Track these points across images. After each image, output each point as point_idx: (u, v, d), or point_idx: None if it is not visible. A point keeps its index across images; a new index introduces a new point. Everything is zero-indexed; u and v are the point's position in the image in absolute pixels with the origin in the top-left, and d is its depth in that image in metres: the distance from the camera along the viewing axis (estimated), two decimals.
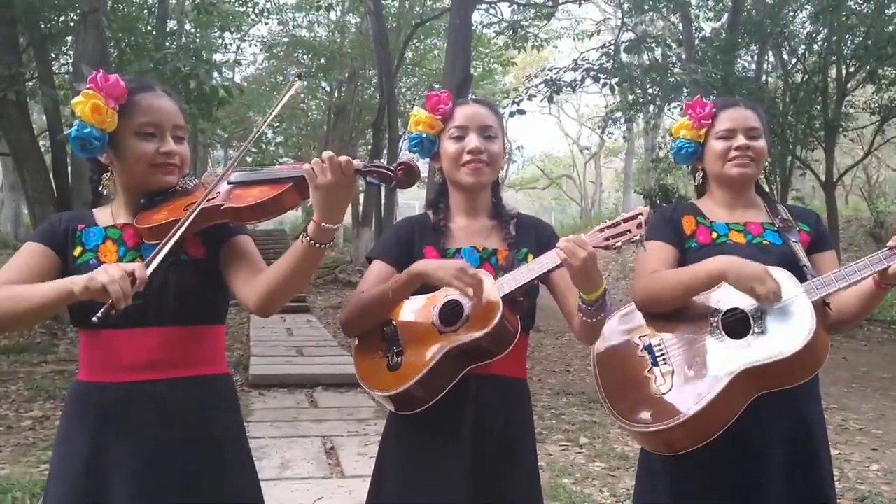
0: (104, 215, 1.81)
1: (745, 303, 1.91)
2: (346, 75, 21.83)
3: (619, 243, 1.69)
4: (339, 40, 21.71)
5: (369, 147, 21.49)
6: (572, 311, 1.87)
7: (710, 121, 2.13)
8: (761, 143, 2.09)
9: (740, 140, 2.07)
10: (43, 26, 9.36)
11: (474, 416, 1.86)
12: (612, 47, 12.90)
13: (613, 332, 2.09)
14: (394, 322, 1.90)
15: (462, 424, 1.85)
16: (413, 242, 2.00)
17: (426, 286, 1.85)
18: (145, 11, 12.61)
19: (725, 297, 1.94)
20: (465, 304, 1.83)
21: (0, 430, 5.54)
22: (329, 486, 4.27)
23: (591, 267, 1.70)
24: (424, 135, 2.03)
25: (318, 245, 1.61)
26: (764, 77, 13.70)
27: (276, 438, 5.22)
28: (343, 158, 1.54)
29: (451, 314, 1.83)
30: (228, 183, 1.70)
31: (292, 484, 4.28)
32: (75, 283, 1.49)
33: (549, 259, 1.77)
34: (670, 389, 1.90)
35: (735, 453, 1.90)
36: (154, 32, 11.48)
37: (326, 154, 1.55)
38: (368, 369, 1.90)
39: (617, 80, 11.87)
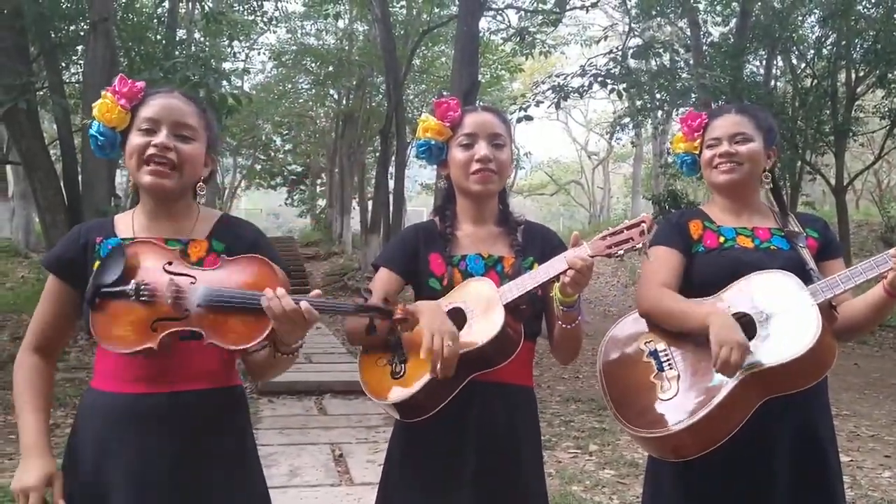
0: (124, 223, 1.79)
1: (751, 306, 1.90)
2: (354, 83, 21.90)
3: (622, 251, 1.70)
4: (347, 48, 21.77)
5: (377, 154, 21.53)
6: (555, 323, 1.88)
7: (702, 131, 2.15)
8: (748, 146, 2.07)
9: (723, 147, 2.07)
10: (53, 35, 9.43)
11: (479, 423, 1.86)
12: (620, 53, 12.88)
13: (619, 337, 2.09)
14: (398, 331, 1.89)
15: (467, 432, 1.86)
16: (419, 250, 2.00)
17: (430, 294, 1.88)
18: (155, 21, 12.67)
19: (731, 302, 1.93)
20: (469, 312, 1.82)
21: (11, 438, 5.55)
22: (338, 494, 4.27)
23: (589, 276, 1.73)
24: (433, 142, 2.03)
25: (285, 355, 1.68)
26: (773, 82, 13.66)
27: (284, 446, 5.21)
28: (303, 307, 1.55)
29: (455, 322, 1.81)
30: (198, 305, 1.58)
31: (301, 491, 4.27)
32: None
33: (552, 268, 1.77)
34: (676, 394, 1.90)
35: (742, 458, 1.89)
36: (163, 41, 11.52)
37: (281, 295, 1.54)
38: (373, 377, 1.90)
39: (625, 85, 11.85)
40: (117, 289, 1.60)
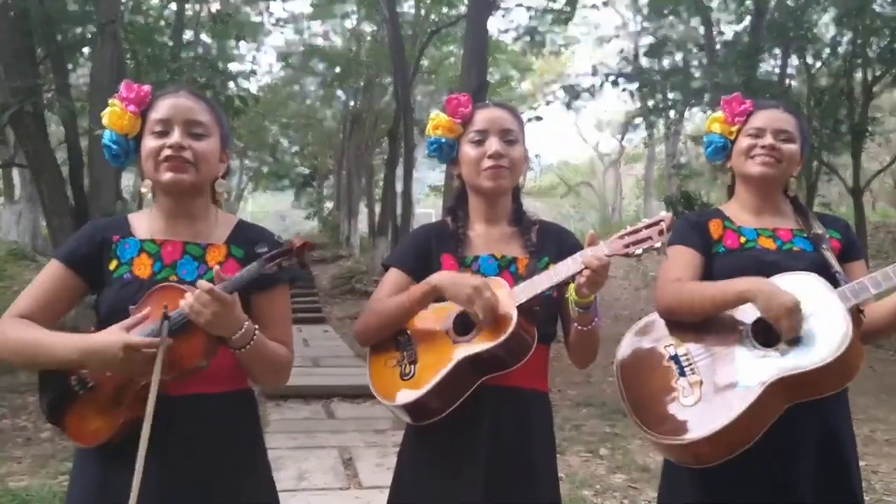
0: (140, 223, 1.78)
1: None
2: (362, 84, 21.94)
3: (640, 250, 1.66)
4: (354, 49, 21.80)
5: (385, 156, 21.53)
6: (570, 326, 1.84)
7: (744, 118, 2.09)
8: (790, 147, 2.03)
9: (767, 139, 2.02)
10: (60, 38, 9.46)
11: (491, 428, 1.82)
12: (632, 52, 12.81)
13: (637, 341, 2.05)
14: (408, 331, 1.87)
15: (478, 436, 1.82)
16: (430, 250, 1.97)
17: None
18: (162, 22, 12.72)
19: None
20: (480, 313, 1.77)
21: (19, 442, 5.60)
22: (346, 498, 4.29)
23: (605, 276, 1.68)
24: (443, 139, 1.99)
25: (240, 350, 1.62)
26: (788, 81, 13.54)
27: (292, 449, 5.22)
28: (204, 286, 1.53)
29: (465, 323, 1.80)
30: (163, 322, 1.56)
31: (309, 495, 4.29)
32: (92, 357, 1.54)
33: (567, 268, 1.72)
34: (699, 401, 1.85)
35: (763, 465, 1.85)
36: (171, 43, 11.56)
37: (203, 284, 1.54)
38: (381, 379, 1.87)
39: (636, 85, 11.78)
40: (62, 391, 1.64)
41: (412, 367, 1.82)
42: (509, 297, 1.76)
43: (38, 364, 1.66)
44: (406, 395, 1.79)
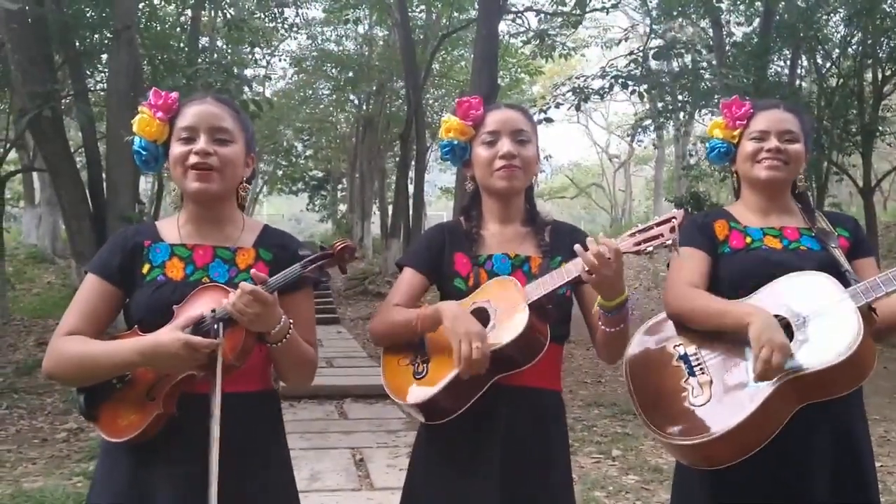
0: (169, 229, 1.81)
1: (787, 309, 1.84)
2: (374, 88, 21.97)
3: (651, 248, 1.65)
4: (366, 53, 21.87)
5: (397, 159, 21.58)
6: (595, 325, 1.83)
7: (745, 121, 2.07)
8: (796, 147, 2.02)
9: (772, 142, 2.00)
10: (77, 44, 9.57)
11: (505, 427, 1.83)
12: (641, 54, 12.78)
13: (646, 341, 2.03)
14: None
15: (492, 436, 1.82)
16: (444, 249, 1.97)
17: (455, 295, 1.86)
18: (178, 28, 12.83)
19: (764, 304, 1.86)
20: (492, 311, 1.79)
21: (35, 443, 5.65)
22: (359, 499, 4.29)
23: (617, 274, 1.67)
24: (456, 142, 2.00)
25: (277, 344, 1.66)
26: (798, 82, 13.46)
27: (305, 450, 5.24)
28: (247, 288, 1.57)
29: (478, 322, 1.78)
30: (217, 324, 1.61)
31: (322, 496, 4.29)
32: (153, 357, 1.59)
33: (577, 266, 1.72)
34: (708, 401, 1.83)
35: (776, 467, 1.83)
36: (186, 49, 11.66)
37: (245, 287, 1.57)
38: (395, 377, 1.88)
39: (646, 86, 11.75)
40: (101, 385, 1.68)
41: (425, 365, 1.82)
42: (521, 296, 1.76)
43: (98, 375, 1.66)
44: (419, 394, 1.79)
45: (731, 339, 1.88)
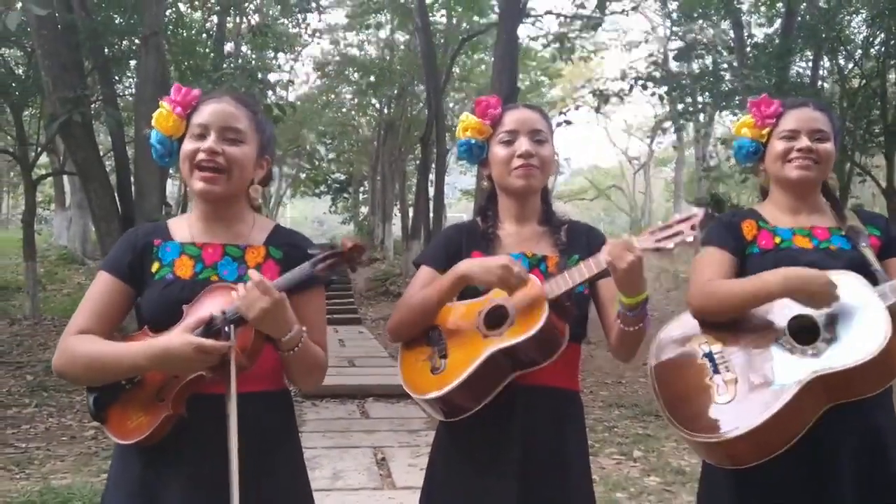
0: (180, 228, 1.80)
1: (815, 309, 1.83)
2: (396, 92, 22.05)
3: (672, 244, 1.64)
4: (388, 58, 21.97)
5: (417, 162, 21.66)
6: (612, 324, 1.83)
7: (774, 120, 2.05)
8: (826, 146, 1.99)
9: (803, 142, 1.97)
10: (107, 50, 9.72)
11: (523, 426, 1.82)
12: (661, 55, 12.74)
13: (670, 339, 2.02)
14: (438, 326, 1.87)
15: (510, 434, 1.82)
16: (461, 248, 1.97)
17: (471, 289, 1.85)
18: (204, 35, 12.99)
19: (792, 302, 1.85)
20: (511, 308, 1.79)
21: (63, 440, 5.72)
22: (380, 498, 4.29)
23: (637, 271, 1.67)
24: (473, 140, 2.00)
25: (289, 352, 1.64)
26: (820, 83, 13.33)
27: (328, 449, 5.27)
28: (255, 276, 1.56)
29: (496, 318, 1.80)
30: (228, 326, 1.58)
31: (344, 495, 4.31)
32: (163, 361, 1.56)
33: (596, 263, 1.72)
34: (733, 398, 1.81)
35: (802, 467, 1.81)
36: (212, 54, 11.80)
37: (254, 275, 1.56)
38: (412, 373, 1.87)
39: (666, 88, 11.69)
40: (110, 386, 1.66)
41: (443, 361, 1.81)
42: (540, 293, 1.76)
43: (107, 377, 1.64)
44: (435, 389, 1.78)
45: (756, 336, 1.86)
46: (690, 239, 1.62)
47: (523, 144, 1.92)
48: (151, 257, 1.75)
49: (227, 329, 1.57)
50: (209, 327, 1.58)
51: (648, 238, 1.67)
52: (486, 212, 2.04)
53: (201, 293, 1.65)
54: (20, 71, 12.13)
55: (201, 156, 1.69)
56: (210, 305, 1.62)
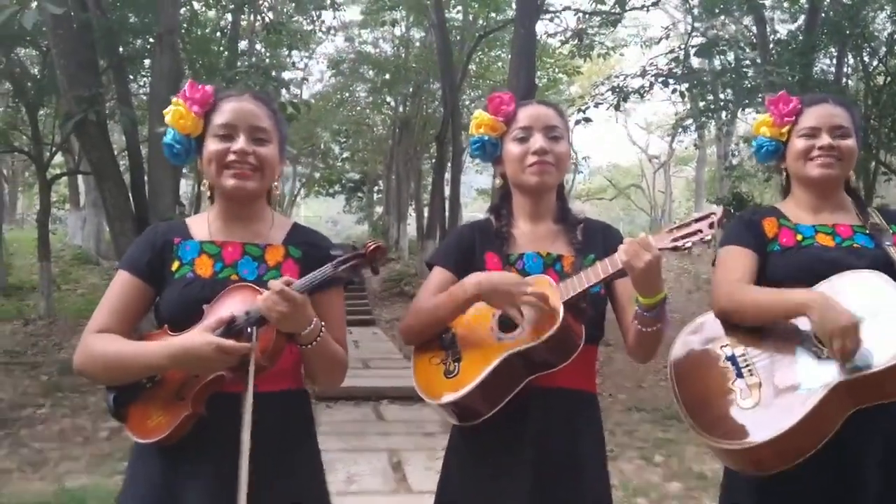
0: (198, 226, 1.80)
1: None
2: (411, 90, 22.06)
3: (690, 243, 1.62)
4: (403, 55, 21.96)
5: (433, 161, 21.62)
6: (629, 325, 1.80)
7: (793, 118, 2.01)
8: (848, 143, 1.96)
9: (824, 139, 1.95)
10: (121, 49, 9.77)
11: (538, 428, 1.80)
12: (682, 52, 12.58)
13: (691, 341, 1.99)
14: (452, 329, 1.85)
15: (525, 437, 1.80)
16: (474, 248, 1.95)
17: None
18: (218, 33, 13.03)
19: None
20: (525, 310, 1.75)
21: (78, 441, 5.76)
22: (396, 502, 4.30)
23: (654, 270, 1.64)
24: (486, 137, 1.98)
25: (308, 346, 1.64)
26: (844, 80, 13.12)
27: (342, 451, 5.26)
28: (276, 286, 1.55)
29: (510, 321, 1.77)
30: (251, 327, 1.60)
31: (359, 499, 4.31)
32: (184, 361, 1.57)
33: (612, 263, 1.69)
34: (757, 403, 1.78)
35: (827, 472, 1.77)
36: (226, 53, 11.83)
37: (274, 285, 1.55)
38: (426, 377, 1.86)
39: (687, 85, 11.54)
40: (131, 385, 1.67)
41: (456, 365, 1.79)
42: (555, 295, 1.73)
43: (127, 375, 1.65)
44: (449, 392, 1.76)
45: (780, 340, 1.84)
46: (709, 238, 1.60)
47: (538, 141, 1.90)
48: (171, 255, 1.75)
49: (248, 330, 1.57)
50: (230, 328, 1.58)
51: (666, 237, 1.65)
52: (499, 210, 2.02)
53: (221, 293, 1.65)
54: (35, 70, 12.21)
55: (232, 157, 1.69)
56: (230, 305, 1.62)
